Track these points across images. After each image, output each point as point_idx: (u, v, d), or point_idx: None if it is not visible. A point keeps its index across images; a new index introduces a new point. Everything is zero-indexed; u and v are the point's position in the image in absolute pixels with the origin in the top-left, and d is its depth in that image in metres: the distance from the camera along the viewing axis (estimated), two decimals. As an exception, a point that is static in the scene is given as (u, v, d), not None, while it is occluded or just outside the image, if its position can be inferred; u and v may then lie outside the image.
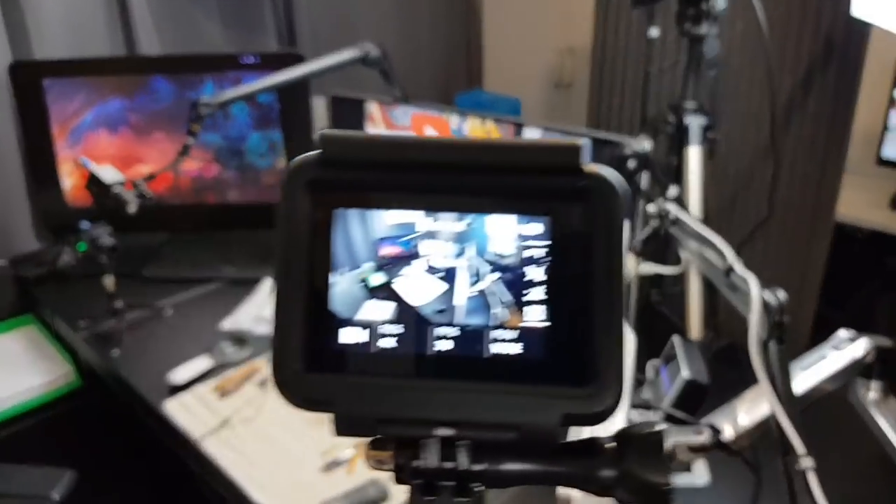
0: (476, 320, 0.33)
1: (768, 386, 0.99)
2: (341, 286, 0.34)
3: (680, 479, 1.14)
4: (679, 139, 1.37)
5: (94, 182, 1.27)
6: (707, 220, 1.32)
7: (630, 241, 1.25)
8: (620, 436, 0.34)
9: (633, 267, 1.27)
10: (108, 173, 1.27)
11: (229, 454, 1.11)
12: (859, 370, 1.08)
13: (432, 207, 0.34)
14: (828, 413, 1.10)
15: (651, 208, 1.22)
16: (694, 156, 1.36)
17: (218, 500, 1.13)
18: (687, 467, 1.06)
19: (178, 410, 1.20)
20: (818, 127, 1.52)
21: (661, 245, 1.28)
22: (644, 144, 1.23)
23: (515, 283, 0.33)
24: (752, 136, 1.59)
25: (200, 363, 1.29)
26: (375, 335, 0.33)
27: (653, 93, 1.59)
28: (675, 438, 1.05)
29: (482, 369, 0.33)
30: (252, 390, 1.24)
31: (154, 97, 1.56)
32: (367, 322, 0.33)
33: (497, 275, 0.33)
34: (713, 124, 1.39)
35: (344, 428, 0.32)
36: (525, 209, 0.33)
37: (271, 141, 1.56)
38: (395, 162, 0.33)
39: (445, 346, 0.33)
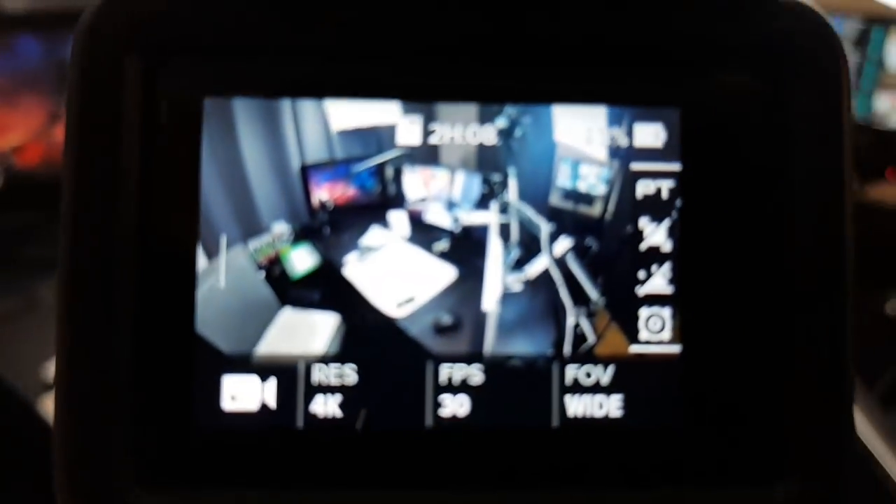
0: (527, 347, 0.15)
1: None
2: (221, 281, 0.15)
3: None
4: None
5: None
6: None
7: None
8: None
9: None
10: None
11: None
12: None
13: (424, 91, 0.15)
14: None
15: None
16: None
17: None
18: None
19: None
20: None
21: None
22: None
23: (611, 259, 0.15)
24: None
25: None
26: (302, 390, 0.14)
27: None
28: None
29: (544, 458, 0.15)
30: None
31: (20, 58, 1.29)
32: (282, 360, 0.15)
33: (569, 242, 0.15)
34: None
35: None
36: (629, 92, 0.15)
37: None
38: None
39: (461, 408, 0.15)
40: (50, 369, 1.16)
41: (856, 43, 1.29)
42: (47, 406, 1.08)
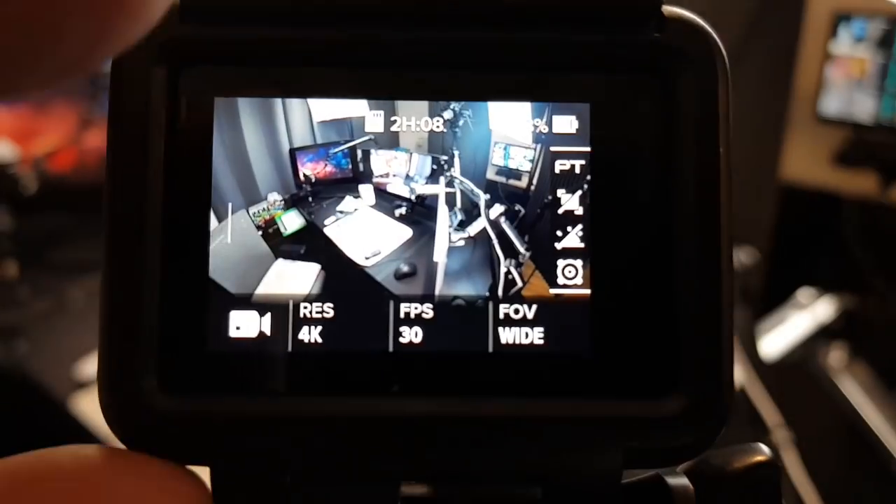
0: (468, 289, 0.19)
1: (737, 354, 0.90)
2: (228, 237, 0.19)
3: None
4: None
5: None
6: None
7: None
8: (701, 472, 0.21)
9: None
10: (1, 150, 1.12)
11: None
12: (825, 333, 1.01)
13: (386, 91, 0.19)
14: (786, 378, 1.03)
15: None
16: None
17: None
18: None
19: (91, 407, 1.02)
20: (761, 82, 1.45)
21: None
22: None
23: (535, 221, 0.19)
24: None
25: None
26: (291, 322, 0.19)
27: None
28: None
29: (481, 376, 0.19)
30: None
31: None
32: (275, 299, 0.19)
33: (502, 208, 0.19)
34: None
35: (231, 492, 0.18)
36: (549, 90, 0.19)
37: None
38: (317, 8, 0.18)
39: (416, 336, 0.19)
40: (81, 369, 1.19)
41: (880, 43, 1.32)
42: (79, 404, 1.12)
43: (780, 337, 1.00)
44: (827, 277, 1.44)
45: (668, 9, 0.19)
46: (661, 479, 0.21)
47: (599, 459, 0.18)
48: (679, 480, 0.20)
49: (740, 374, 0.90)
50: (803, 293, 1.05)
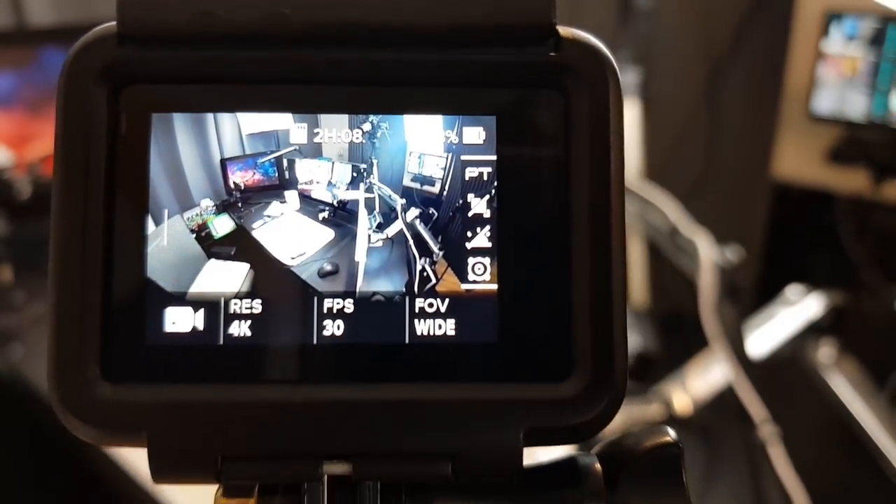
0: (387, 286, 0.21)
1: (724, 350, 0.91)
2: (164, 240, 0.21)
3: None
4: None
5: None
6: (644, 180, 1.24)
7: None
8: (612, 453, 0.22)
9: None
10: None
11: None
12: (814, 330, 1.02)
13: (308, 106, 0.21)
14: (775, 375, 1.04)
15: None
16: (629, 111, 1.27)
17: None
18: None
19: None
20: (752, 79, 1.46)
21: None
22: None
23: (447, 223, 0.21)
24: (686, 91, 1.51)
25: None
26: (222, 318, 0.20)
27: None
28: (629, 413, 0.97)
29: (398, 364, 0.21)
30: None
31: (46, 71, 1.36)
32: (207, 297, 0.20)
33: (416, 211, 0.21)
34: (647, 79, 1.31)
35: (168, 468, 0.19)
36: (458, 104, 0.21)
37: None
38: (244, 32, 0.20)
39: (338, 329, 0.21)
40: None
41: (871, 42, 1.32)
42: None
43: (768, 334, 1.01)
44: (820, 275, 1.45)
45: (565, 29, 0.21)
46: (573, 459, 0.22)
47: (502, 437, 0.20)
48: (588, 460, 0.22)
49: (727, 370, 0.92)
50: (792, 290, 1.06)
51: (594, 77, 0.20)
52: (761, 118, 1.48)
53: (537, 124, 0.21)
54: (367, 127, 0.21)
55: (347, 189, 0.21)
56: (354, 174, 0.21)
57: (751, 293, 1.48)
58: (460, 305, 0.21)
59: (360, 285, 0.21)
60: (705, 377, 0.98)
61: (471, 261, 0.21)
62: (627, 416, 0.96)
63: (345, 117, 0.21)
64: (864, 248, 1.41)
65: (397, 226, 0.21)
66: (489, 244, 0.21)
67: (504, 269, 0.21)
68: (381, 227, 0.21)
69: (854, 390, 1.06)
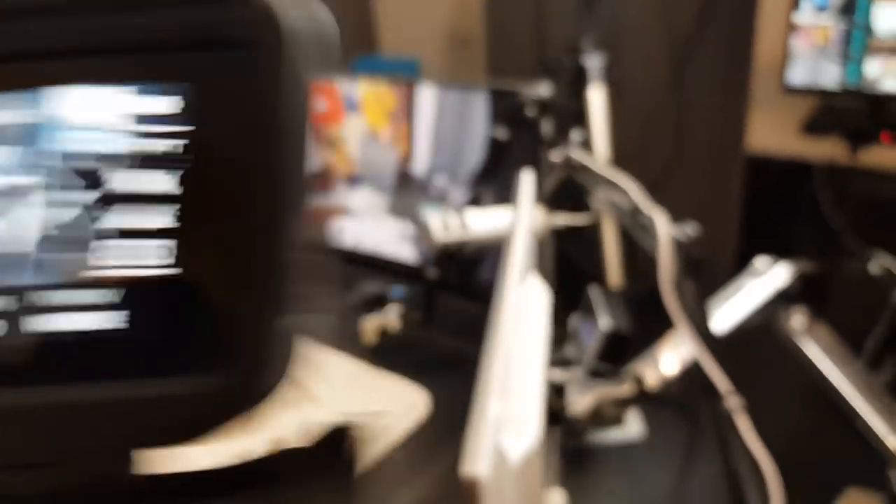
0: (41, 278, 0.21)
1: (686, 327, 0.92)
2: None
3: (613, 435, 1.08)
4: (578, 81, 1.29)
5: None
6: (617, 164, 1.25)
7: (537, 192, 1.17)
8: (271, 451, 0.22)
9: (544, 221, 1.19)
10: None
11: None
12: (783, 298, 1.03)
13: None
14: (748, 344, 1.04)
15: (556, 156, 1.14)
16: (595, 96, 1.28)
17: None
18: (618, 421, 0.99)
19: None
20: (719, 57, 1.47)
21: (577, 195, 1.21)
22: (542, 90, 1.15)
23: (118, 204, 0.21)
24: (654, 72, 1.52)
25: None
26: None
27: (552, 37, 1.50)
28: (599, 392, 0.98)
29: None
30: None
31: None
32: None
33: (95, 194, 0.21)
34: (613, 63, 1.32)
35: None
36: (140, 72, 0.20)
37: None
38: None
39: None
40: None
41: (842, 11, 1.32)
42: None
43: (736, 305, 1.02)
44: (802, 245, 1.45)
45: None
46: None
47: (133, 430, 0.20)
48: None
49: (691, 345, 0.93)
50: (760, 260, 1.07)
51: (270, 45, 0.20)
52: (732, 94, 1.48)
53: (229, 92, 0.20)
54: (25, 107, 0.20)
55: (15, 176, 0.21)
56: (16, 156, 0.21)
57: (731, 268, 1.48)
58: (130, 297, 0.21)
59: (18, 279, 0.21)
60: (677, 353, 0.99)
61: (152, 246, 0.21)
62: (599, 395, 0.97)
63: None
64: (844, 215, 1.41)
65: (73, 211, 0.21)
66: (176, 224, 0.20)
67: (184, 251, 0.20)
68: (56, 214, 0.21)
69: (828, 356, 1.06)
